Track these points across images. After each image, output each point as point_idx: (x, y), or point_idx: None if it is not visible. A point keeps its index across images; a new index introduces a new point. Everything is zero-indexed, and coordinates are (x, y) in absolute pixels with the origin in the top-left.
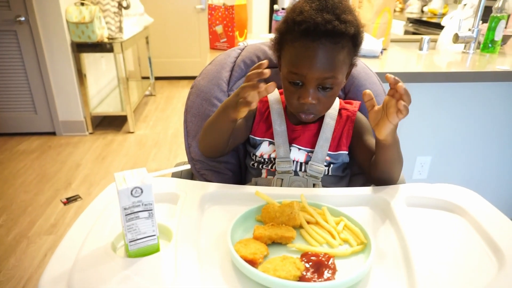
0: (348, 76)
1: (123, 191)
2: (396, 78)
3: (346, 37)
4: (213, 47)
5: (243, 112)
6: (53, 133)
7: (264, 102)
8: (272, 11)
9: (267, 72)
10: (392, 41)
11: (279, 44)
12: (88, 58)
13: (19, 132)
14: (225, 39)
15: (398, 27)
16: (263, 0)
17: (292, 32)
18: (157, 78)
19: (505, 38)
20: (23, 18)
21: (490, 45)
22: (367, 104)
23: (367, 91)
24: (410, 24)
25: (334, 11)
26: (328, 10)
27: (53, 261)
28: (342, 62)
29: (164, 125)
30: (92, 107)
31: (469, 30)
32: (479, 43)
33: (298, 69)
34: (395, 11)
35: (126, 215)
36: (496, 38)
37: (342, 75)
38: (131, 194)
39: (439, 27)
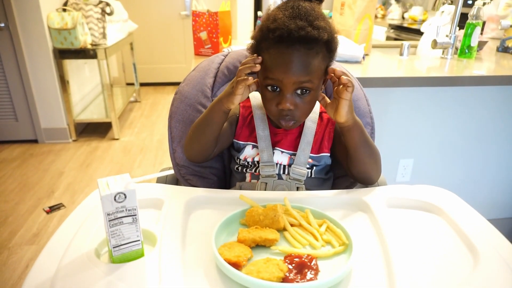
0: (326, 82)
1: (106, 196)
2: (331, 68)
3: (320, 43)
4: (197, 53)
5: (239, 96)
6: (35, 141)
7: (247, 107)
8: (256, 17)
9: (260, 58)
10: (374, 46)
11: (255, 52)
12: (71, 65)
13: None
14: (209, 45)
15: (380, 33)
16: (247, 7)
17: (267, 40)
18: (142, 84)
19: (480, 44)
20: (2, 24)
21: (466, 50)
22: (322, 103)
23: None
24: (392, 30)
25: (307, 18)
26: (301, 17)
27: (35, 268)
28: (317, 67)
29: (150, 131)
30: (75, 114)
31: (447, 36)
32: (456, 48)
33: (274, 74)
34: (376, 17)
35: (109, 220)
36: (472, 44)
37: (318, 80)
38: (115, 199)
39: (419, 33)
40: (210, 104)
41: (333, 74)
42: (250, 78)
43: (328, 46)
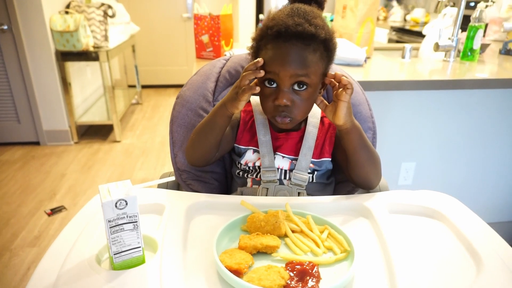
0: (325, 86)
1: (107, 203)
2: (331, 73)
3: (317, 40)
4: (199, 56)
5: (243, 102)
6: (37, 143)
7: (248, 112)
8: (258, 20)
9: (262, 60)
10: (376, 49)
11: (256, 51)
12: (73, 67)
13: (1, 142)
14: (211, 49)
15: (382, 35)
16: (248, 10)
17: (265, 37)
18: (143, 87)
19: (483, 47)
20: (5, 27)
21: (469, 53)
22: (320, 106)
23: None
24: (394, 33)
25: (305, 16)
26: (299, 15)
27: (37, 274)
28: (315, 63)
29: (151, 133)
30: (77, 116)
31: (449, 39)
32: (459, 51)
33: (271, 67)
34: (378, 19)
35: (110, 227)
36: (474, 47)
37: (316, 78)
38: (116, 206)
39: (421, 35)
40: (213, 108)
41: (333, 79)
42: (257, 88)
43: (326, 45)
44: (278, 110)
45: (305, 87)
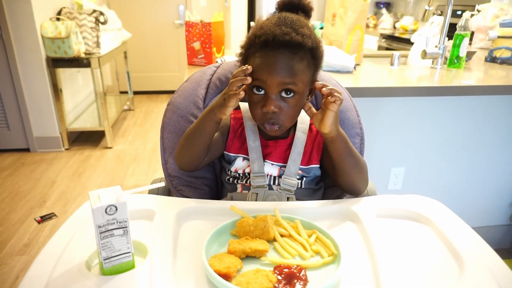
0: (313, 92)
1: (97, 209)
2: (321, 83)
3: (304, 48)
4: (191, 63)
5: (231, 108)
6: (27, 150)
7: (238, 119)
8: (249, 28)
9: (250, 67)
10: (365, 56)
11: (244, 59)
12: (64, 73)
13: None
14: (202, 55)
15: (372, 43)
16: (240, 17)
17: (253, 45)
18: (135, 93)
19: (469, 54)
20: None
21: (455, 61)
22: (308, 113)
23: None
24: (383, 40)
25: (292, 25)
26: (286, 25)
27: (26, 281)
28: (302, 71)
29: (143, 139)
30: (68, 122)
31: (436, 46)
32: (445, 58)
33: (259, 75)
34: (368, 26)
35: (100, 233)
36: (461, 54)
37: (303, 85)
38: (106, 212)
39: (410, 42)
40: (202, 114)
41: (324, 88)
42: (242, 92)
43: (313, 53)
44: (266, 117)
45: (292, 94)
